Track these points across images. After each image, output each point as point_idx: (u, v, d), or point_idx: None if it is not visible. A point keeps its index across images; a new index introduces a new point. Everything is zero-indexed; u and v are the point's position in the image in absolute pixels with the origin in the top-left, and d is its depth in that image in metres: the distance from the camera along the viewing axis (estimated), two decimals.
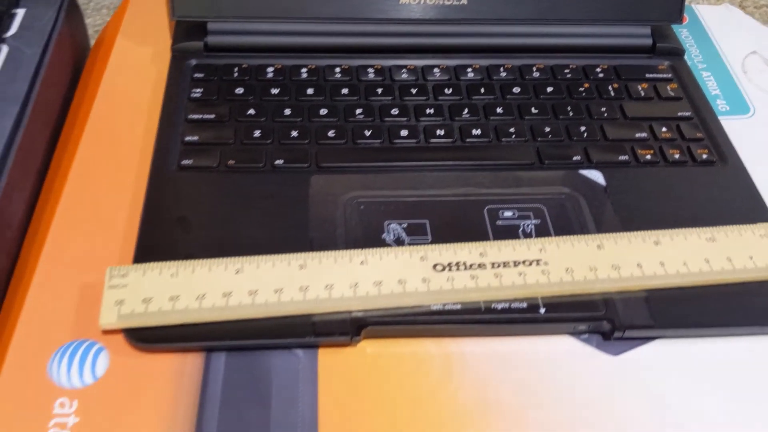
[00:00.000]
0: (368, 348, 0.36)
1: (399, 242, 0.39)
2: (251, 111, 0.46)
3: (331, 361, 0.35)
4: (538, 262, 0.38)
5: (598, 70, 0.51)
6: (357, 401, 0.34)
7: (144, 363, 0.34)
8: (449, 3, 0.50)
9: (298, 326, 0.35)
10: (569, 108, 0.48)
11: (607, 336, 0.37)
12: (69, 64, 0.52)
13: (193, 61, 0.49)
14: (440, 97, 0.48)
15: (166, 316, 0.34)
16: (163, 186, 0.41)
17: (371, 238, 0.39)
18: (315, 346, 0.36)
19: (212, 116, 0.45)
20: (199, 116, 0.45)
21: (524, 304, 0.36)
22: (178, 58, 0.49)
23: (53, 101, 0.49)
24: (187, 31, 0.50)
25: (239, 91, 0.47)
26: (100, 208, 0.41)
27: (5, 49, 0.48)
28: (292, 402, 0.34)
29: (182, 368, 0.34)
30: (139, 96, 0.48)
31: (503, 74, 0.50)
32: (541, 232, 0.40)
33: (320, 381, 0.34)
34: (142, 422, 0.32)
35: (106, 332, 0.35)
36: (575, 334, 0.37)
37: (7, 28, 0.50)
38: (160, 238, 0.38)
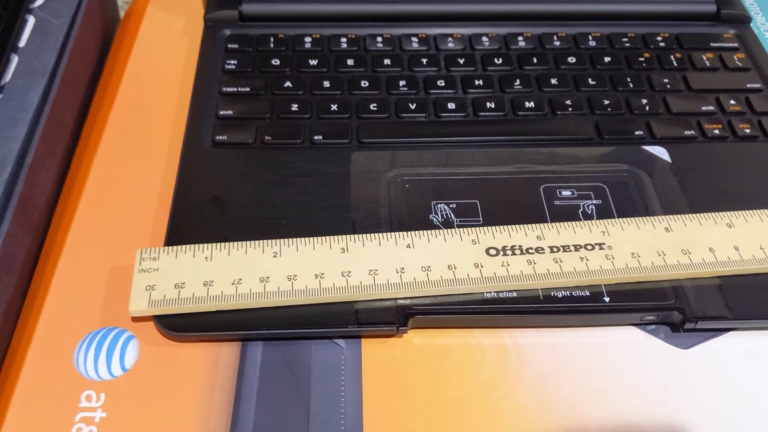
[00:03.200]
0: (415, 338, 0.33)
1: (448, 224, 0.36)
2: (288, 84, 0.43)
3: (375, 352, 0.32)
4: (600, 246, 0.34)
5: (659, 38, 0.47)
6: (404, 396, 0.31)
7: (176, 353, 0.32)
8: None
9: (340, 314, 0.32)
10: (629, 79, 0.44)
11: (676, 327, 0.34)
12: (98, 36, 0.50)
13: (227, 32, 0.46)
14: (489, 68, 0.45)
15: (200, 302, 0.32)
16: (197, 163, 0.38)
17: (417, 220, 0.36)
18: (358, 336, 0.33)
19: (247, 89, 0.43)
20: (234, 89, 0.43)
21: (586, 292, 0.33)
22: (211, 28, 0.46)
23: (82, 74, 0.47)
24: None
25: (275, 62, 0.44)
26: (130, 187, 0.38)
27: (32, 20, 0.46)
28: (334, 396, 0.31)
29: (217, 359, 0.32)
30: (171, 69, 0.45)
31: (557, 43, 0.46)
32: (603, 213, 0.37)
33: (364, 374, 0.32)
34: (173, 418, 0.30)
35: (136, 319, 0.33)
36: (641, 325, 0.34)
37: None
38: (194, 219, 0.36)
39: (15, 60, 0.44)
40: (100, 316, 0.33)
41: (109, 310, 0.33)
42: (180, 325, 0.32)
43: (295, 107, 0.42)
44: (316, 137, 0.40)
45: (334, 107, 0.42)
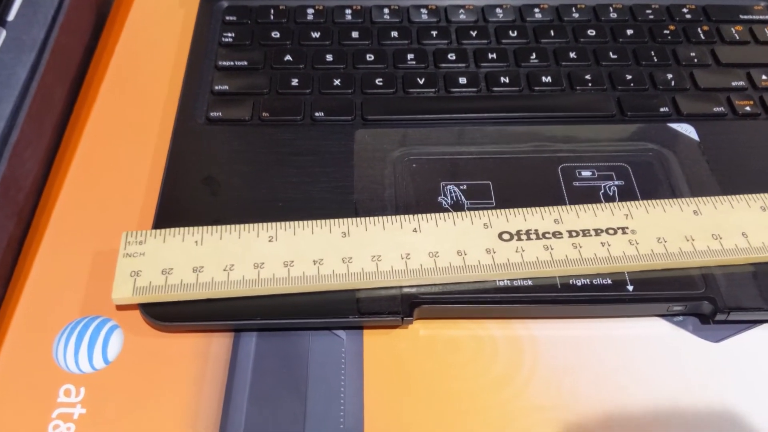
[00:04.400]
0: (422, 330, 0.30)
1: (458, 206, 0.34)
2: (288, 57, 0.40)
3: (378, 344, 0.30)
4: (624, 230, 0.32)
5: (685, 10, 0.44)
6: (409, 392, 0.29)
7: (162, 344, 0.29)
8: None
9: (340, 303, 0.30)
10: (653, 53, 0.41)
11: (706, 319, 0.31)
12: (92, 9, 0.47)
13: (225, 3, 0.44)
14: (504, 41, 0.42)
15: (188, 289, 0.29)
16: (189, 141, 0.36)
17: (425, 202, 0.34)
18: (360, 327, 0.30)
19: (245, 63, 0.40)
20: (231, 63, 0.40)
21: (608, 280, 0.31)
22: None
23: (74, 49, 0.44)
24: None
25: (275, 35, 0.42)
26: (118, 167, 0.36)
27: None
28: (333, 391, 0.29)
29: (207, 350, 0.29)
30: (165, 42, 0.43)
31: (575, 15, 0.44)
32: (626, 194, 0.34)
33: (366, 367, 0.29)
34: (159, 414, 0.28)
35: (120, 308, 0.30)
36: (668, 316, 0.31)
37: None
38: (184, 200, 0.33)
39: (2, 34, 0.42)
40: (82, 305, 0.30)
41: (91, 297, 0.31)
42: (167, 314, 0.29)
43: (295, 82, 0.39)
44: (317, 114, 0.38)
45: (336, 82, 0.39)
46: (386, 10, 0.43)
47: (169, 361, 0.29)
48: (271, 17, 0.43)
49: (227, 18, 0.43)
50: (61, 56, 0.42)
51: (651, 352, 0.30)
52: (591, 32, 0.42)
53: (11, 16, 0.42)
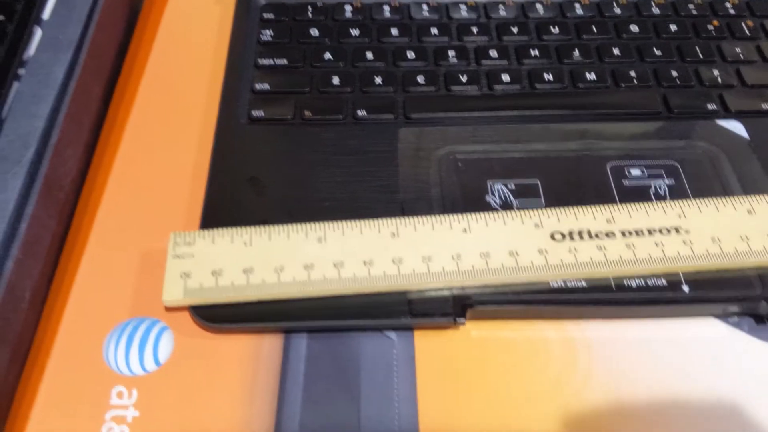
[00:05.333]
0: (473, 331, 0.30)
1: (506, 205, 0.33)
2: (328, 55, 0.40)
3: (429, 345, 0.30)
4: (677, 230, 0.31)
5: (728, 5, 0.44)
6: (462, 394, 0.28)
7: (213, 346, 0.29)
8: None
9: (391, 305, 0.30)
10: (697, 49, 0.41)
11: (761, 320, 0.30)
12: (125, 6, 0.47)
13: (262, 0, 0.43)
14: (545, 37, 0.41)
15: (239, 291, 0.29)
16: (232, 141, 0.36)
17: (472, 201, 0.33)
18: (410, 329, 0.30)
19: (285, 61, 0.40)
20: (270, 61, 0.40)
21: (663, 281, 0.30)
22: None
23: (108, 47, 0.44)
24: None
25: (314, 32, 0.41)
26: (161, 166, 0.36)
27: None
28: (386, 392, 0.28)
29: (257, 352, 0.29)
30: (202, 40, 0.42)
31: (617, 10, 0.43)
32: (677, 193, 0.34)
33: (418, 369, 0.29)
34: (212, 417, 0.27)
35: (170, 309, 0.30)
36: (723, 317, 0.31)
37: None
38: (230, 201, 0.33)
39: (39, 33, 0.41)
40: (131, 306, 0.30)
41: (140, 298, 0.30)
42: (218, 316, 0.29)
43: (336, 80, 0.39)
44: (359, 112, 0.37)
45: (378, 80, 0.39)
46: (425, 7, 0.43)
47: (221, 363, 0.29)
48: (309, 14, 0.42)
49: (265, 15, 0.42)
50: (97, 54, 0.42)
51: (707, 353, 0.30)
52: (634, 28, 0.42)
53: (46, 15, 0.42)
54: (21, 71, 0.39)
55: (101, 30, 0.43)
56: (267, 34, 0.41)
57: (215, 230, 0.31)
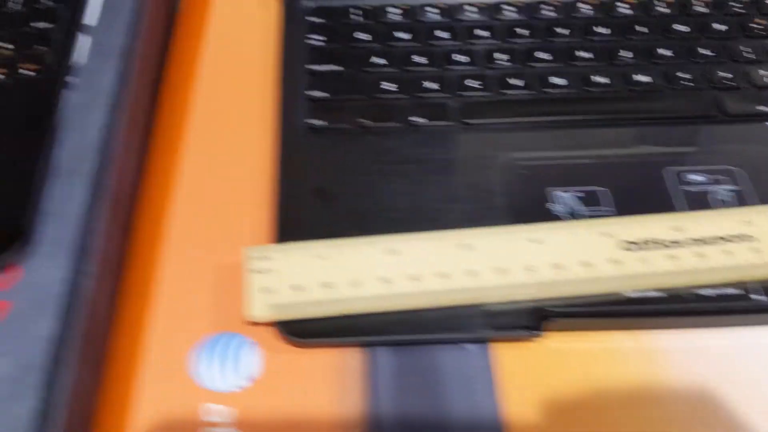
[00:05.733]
0: (551, 343, 0.30)
1: (571, 214, 0.33)
2: (379, 60, 0.40)
3: (508, 358, 0.30)
4: (746, 237, 0.31)
5: None
6: (544, 405, 0.29)
7: (301, 361, 0.29)
8: None
9: (469, 318, 0.30)
10: (747, 49, 0.41)
11: None
12: (164, 10, 0.47)
13: (309, 3, 0.43)
14: (592, 37, 0.41)
15: (321, 306, 0.29)
16: (294, 150, 0.36)
17: (536, 210, 0.34)
18: (488, 341, 0.30)
19: (336, 67, 0.39)
20: (322, 67, 0.39)
21: (737, 290, 0.31)
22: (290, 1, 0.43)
23: (153, 52, 0.44)
24: None
25: (363, 36, 0.41)
26: (223, 177, 0.36)
27: None
28: (471, 405, 0.29)
29: (342, 365, 0.30)
30: (248, 45, 0.42)
31: (662, 9, 0.43)
32: (742, 200, 0.34)
33: (500, 380, 0.29)
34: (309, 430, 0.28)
35: (251, 324, 0.30)
36: None
37: None
38: (300, 213, 0.33)
39: (87, 41, 0.41)
40: (213, 321, 0.30)
41: (221, 313, 0.30)
42: (304, 331, 0.29)
43: (389, 86, 0.39)
44: (414, 119, 0.37)
45: (431, 85, 0.39)
46: (472, 8, 0.43)
47: (308, 376, 0.29)
48: (356, 17, 0.42)
49: (312, 19, 0.42)
50: (145, 61, 0.42)
51: None
52: (680, 27, 0.42)
53: (94, 22, 0.42)
54: (70, 79, 0.39)
55: (147, 35, 0.43)
56: (316, 39, 0.41)
57: (290, 244, 0.31)
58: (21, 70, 0.39)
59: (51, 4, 0.42)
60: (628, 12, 0.43)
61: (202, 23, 0.44)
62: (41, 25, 0.41)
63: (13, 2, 0.42)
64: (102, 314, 0.31)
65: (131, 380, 0.29)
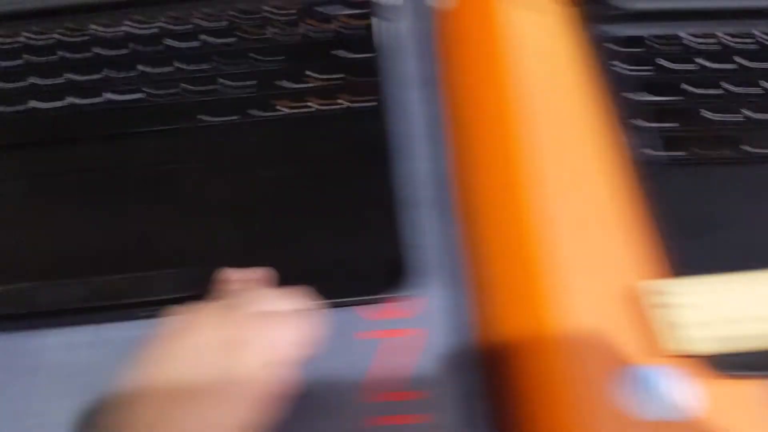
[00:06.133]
0: None
1: None
2: (698, 89, 0.41)
3: None
4: None
5: None
6: None
7: (732, 393, 0.31)
8: None
9: None
10: None
11: None
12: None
13: (612, 30, 0.44)
14: None
15: (742, 341, 0.31)
16: (658, 183, 0.38)
17: None
18: None
19: (663, 97, 0.41)
20: (649, 97, 0.41)
21: None
22: (588, 22, 0.44)
23: (450, 77, 0.46)
24: None
25: (676, 66, 0.42)
26: (588, 207, 0.37)
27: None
28: None
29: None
30: (556, 72, 0.44)
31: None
32: None
33: None
34: None
35: (668, 356, 0.32)
36: None
37: None
38: (685, 246, 0.35)
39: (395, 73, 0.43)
40: (627, 351, 0.32)
41: (631, 344, 0.33)
42: (732, 364, 0.31)
43: (718, 116, 0.40)
44: (747, 148, 0.39)
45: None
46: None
47: (740, 409, 0.31)
48: (663, 47, 0.43)
49: (617, 48, 0.43)
50: (446, 86, 0.44)
51: None
52: None
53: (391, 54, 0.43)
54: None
55: (441, 59, 0.45)
56: (631, 69, 0.42)
57: (694, 278, 0.33)
58: (343, 101, 0.41)
59: (360, 31, 0.44)
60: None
61: (492, 48, 0.45)
62: (354, 54, 0.43)
63: (314, 31, 0.44)
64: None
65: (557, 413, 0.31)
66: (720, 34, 0.44)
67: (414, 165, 0.40)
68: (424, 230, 0.38)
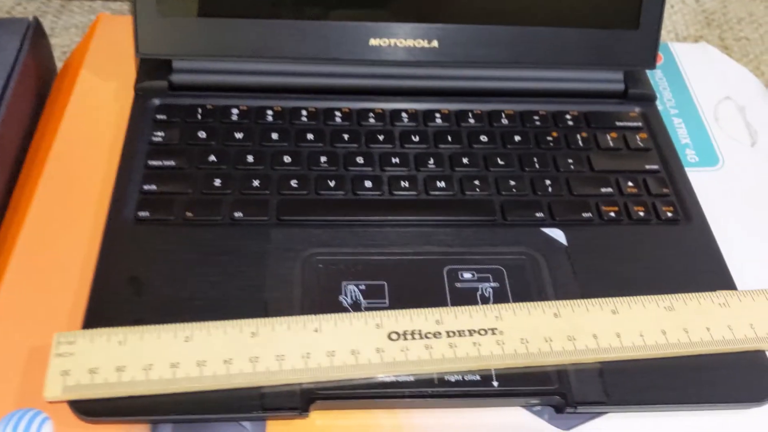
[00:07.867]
0: (318, 420, 0.35)
1: (356, 305, 0.39)
2: (213, 158, 0.45)
3: None
4: (493, 331, 0.37)
5: (568, 117, 0.51)
6: None
7: None
8: (420, 45, 0.50)
9: (246, 399, 0.35)
10: (536, 159, 0.47)
11: (559, 410, 0.37)
12: (32, 95, 0.51)
13: (156, 101, 0.48)
14: (407, 145, 0.47)
15: (112, 388, 0.34)
16: (118, 240, 0.40)
17: (328, 301, 0.39)
18: (263, 419, 0.35)
19: (172, 163, 0.44)
20: (159, 163, 0.44)
21: (477, 377, 0.36)
22: (141, 96, 0.48)
23: (14, 136, 0.48)
24: (151, 68, 0.49)
25: (202, 134, 0.46)
26: (53, 261, 0.40)
27: None
28: None
29: None
30: (101, 136, 0.47)
31: (471, 121, 0.49)
32: (500, 296, 0.40)
33: None
34: None
35: (52, 402, 0.34)
36: (528, 407, 0.37)
37: None
38: (111, 300, 0.38)
39: None
40: (18, 397, 0.34)
41: (27, 390, 0.35)
42: (93, 410, 0.33)
43: (217, 182, 0.44)
44: (236, 214, 0.42)
45: (255, 183, 0.44)
46: (305, 113, 0.48)
47: None
48: (199, 116, 0.47)
49: (158, 117, 0.47)
50: (4, 139, 0.46)
51: None
52: (483, 138, 0.48)
53: None
54: None
55: (7, 121, 0.47)
56: (158, 136, 0.46)
57: (93, 330, 0.35)
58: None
59: None
60: (441, 123, 0.49)
61: (62, 112, 0.48)
62: None
63: None
64: None
65: None
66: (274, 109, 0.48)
67: None
68: None
